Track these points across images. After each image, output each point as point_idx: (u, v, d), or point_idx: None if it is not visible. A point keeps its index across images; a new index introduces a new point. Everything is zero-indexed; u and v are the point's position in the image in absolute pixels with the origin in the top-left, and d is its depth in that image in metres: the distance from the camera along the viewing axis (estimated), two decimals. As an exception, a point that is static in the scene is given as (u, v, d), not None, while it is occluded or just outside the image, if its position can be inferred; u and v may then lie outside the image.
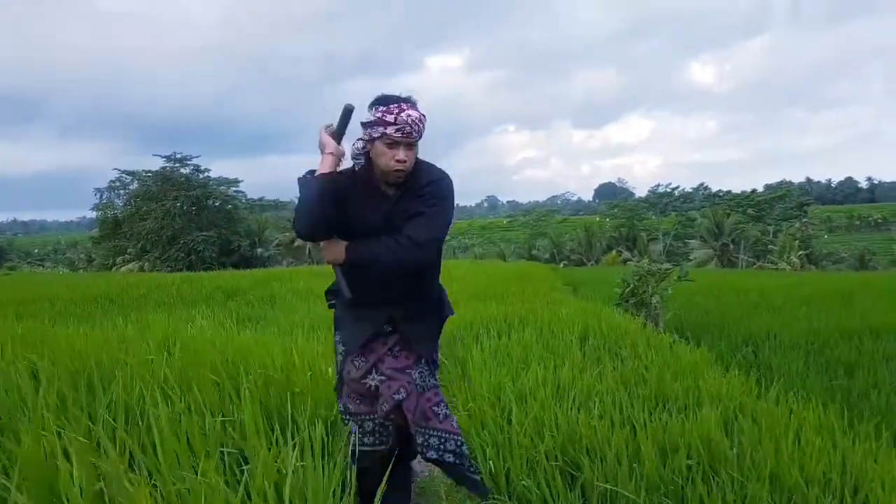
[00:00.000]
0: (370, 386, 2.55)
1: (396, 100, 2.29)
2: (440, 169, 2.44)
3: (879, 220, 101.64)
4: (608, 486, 2.76)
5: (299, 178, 2.37)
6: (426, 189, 2.34)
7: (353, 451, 2.51)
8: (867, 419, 4.06)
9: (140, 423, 2.61)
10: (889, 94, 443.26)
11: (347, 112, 2.37)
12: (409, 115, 2.26)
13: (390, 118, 2.25)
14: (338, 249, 2.38)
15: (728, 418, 3.55)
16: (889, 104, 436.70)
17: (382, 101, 2.30)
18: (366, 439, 2.57)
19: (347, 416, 2.62)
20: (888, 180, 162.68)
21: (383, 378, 2.53)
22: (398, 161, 2.28)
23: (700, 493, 2.68)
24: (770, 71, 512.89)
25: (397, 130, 2.25)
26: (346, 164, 2.45)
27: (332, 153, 2.35)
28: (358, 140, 2.38)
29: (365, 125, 2.33)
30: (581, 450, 3.07)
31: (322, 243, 2.43)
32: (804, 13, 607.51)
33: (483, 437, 3.33)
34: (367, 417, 2.59)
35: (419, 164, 2.40)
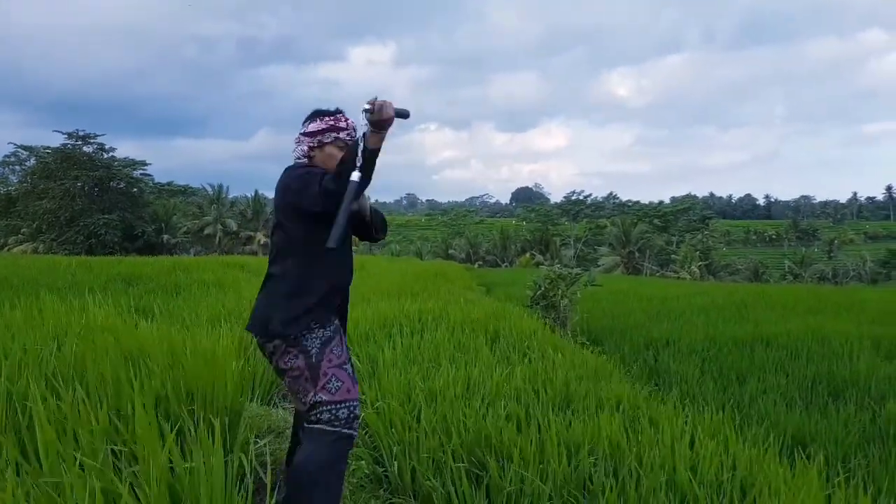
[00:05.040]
0: (349, 370, 2.46)
1: (337, 111, 2.58)
2: None
3: (773, 236, 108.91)
4: (512, 489, 2.80)
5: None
6: None
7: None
8: (756, 424, 4.29)
9: (21, 416, 2.42)
10: (788, 119, 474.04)
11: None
12: (353, 123, 2.57)
13: (343, 125, 2.55)
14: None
15: (628, 421, 3.67)
16: (788, 127, 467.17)
17: (326, 112, 2.57)
18: (355, 423, 2.39)
19: (323, 409, 2.33)
20: (784, 199, 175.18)
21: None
22: None
23: (602, 484, 2.76)
24: (684, 88, 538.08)
25: (348, 134, 2.55)
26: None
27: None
28: (303, 146, 2.57)
29: (314, 133, 2.54)
30: (488, 450, 3.09)
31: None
32: (718, 36, 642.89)
33: (391, 435, 3.30)
34: (356, 402, 2.41)
35: None
